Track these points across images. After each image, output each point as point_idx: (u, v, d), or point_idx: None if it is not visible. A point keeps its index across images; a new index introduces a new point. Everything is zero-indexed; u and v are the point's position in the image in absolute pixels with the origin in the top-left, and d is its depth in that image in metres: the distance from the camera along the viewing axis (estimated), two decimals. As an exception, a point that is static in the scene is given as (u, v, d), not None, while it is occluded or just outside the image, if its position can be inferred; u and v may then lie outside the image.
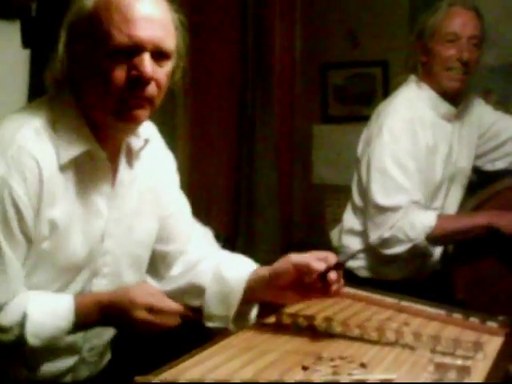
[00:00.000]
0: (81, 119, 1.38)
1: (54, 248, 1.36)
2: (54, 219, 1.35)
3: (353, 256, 2.29)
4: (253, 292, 1.50)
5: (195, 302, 1.56)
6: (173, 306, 1.37)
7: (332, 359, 1.23)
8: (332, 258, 1.42)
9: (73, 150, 1.36)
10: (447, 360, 1.14)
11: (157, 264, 1.59)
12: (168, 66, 1.37)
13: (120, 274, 1.48)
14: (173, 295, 1.57)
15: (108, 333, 1.52)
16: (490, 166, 2.53)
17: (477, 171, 2.53)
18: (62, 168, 1.35)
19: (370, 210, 2.26)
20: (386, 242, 2.21)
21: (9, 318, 1.31)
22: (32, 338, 1.31)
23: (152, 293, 1.39)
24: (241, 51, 3.33)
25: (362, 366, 1.19)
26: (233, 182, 3.45)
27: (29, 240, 1.33)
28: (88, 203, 1.40)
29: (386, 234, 2.19)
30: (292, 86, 3.49)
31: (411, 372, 1.15)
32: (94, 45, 1.31)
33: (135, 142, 1.46)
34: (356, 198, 2.40)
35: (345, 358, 1.23)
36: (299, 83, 3.50)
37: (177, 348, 1.34)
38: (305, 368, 1.18)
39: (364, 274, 2.33)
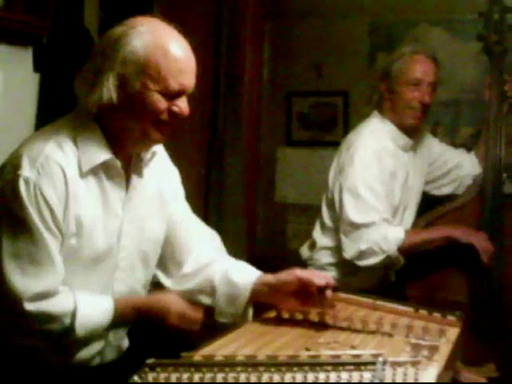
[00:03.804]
0: (100, 134, 1.65)
1: (80, 244, 1.62)
2: (79, 216, 1.60)
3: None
4: (256, 294, 1.81)
5: (205, 300, 1.85)
6: (198, 315, 1.68)
7: (328, 343, 1.55)
8: (330, 279, 1.76)
9: (93, 160, 1.63)
10: (420, 342, 1.47)
11: (167, 262, 1.87)
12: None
13: (133, 269, 1.76)
14: (186, 294, 1.86)
15: None
16: (436, 192, 2.92)
17: (424, 195, 2.89)
18: (83, 175, 1.62)
19: (344, 228, 2.58)
20: (362, 255, 2.54)
21: (61, 307, 1.57)
22: (80, 329, 1.57)
23: (182, 303, 1.70)
24: (214, 78, 3.59)
25: (353, 347, 1.51)
26: (202, 198, 3.70)
27: (61, 234, 1.58)
28: (107, 206, 1.67)
29: (363, 247, 2.52)
30: (259, 111, 3.75)
31: (393, 351, 1.47)
32: (149, 83, 1.58)
33: (145, 154, 1.75)
34: (326, 218, 2.72)
35: (338, 342, 1.56)
36: (266, 109, 3.76)
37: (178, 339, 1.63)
38: (308, 349, 1.49)
39: (332, 284, 2.65)
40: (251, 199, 3.75)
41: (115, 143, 1.66)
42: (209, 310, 1.81)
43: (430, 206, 2.88)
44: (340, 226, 2.61)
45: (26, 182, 1.54)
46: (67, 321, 1.57)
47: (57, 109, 2.48)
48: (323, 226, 2.74)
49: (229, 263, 1.90)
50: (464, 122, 3.35)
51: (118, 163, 1.67)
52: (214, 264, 1.87)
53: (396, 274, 2.69)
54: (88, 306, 1.59)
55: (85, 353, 1.69)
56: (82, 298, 1.60)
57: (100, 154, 1.63)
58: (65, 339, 1.58)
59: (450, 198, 2.89)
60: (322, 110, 3.66)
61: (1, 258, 1.53)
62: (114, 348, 1.79)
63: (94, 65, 1.62)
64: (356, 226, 2.55)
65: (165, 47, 1.60)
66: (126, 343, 1.86)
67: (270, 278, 1.81)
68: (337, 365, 1.30)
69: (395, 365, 1.31)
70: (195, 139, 3.63)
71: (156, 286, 1.88)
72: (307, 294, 1.73)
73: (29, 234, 1.54)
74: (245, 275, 1.83)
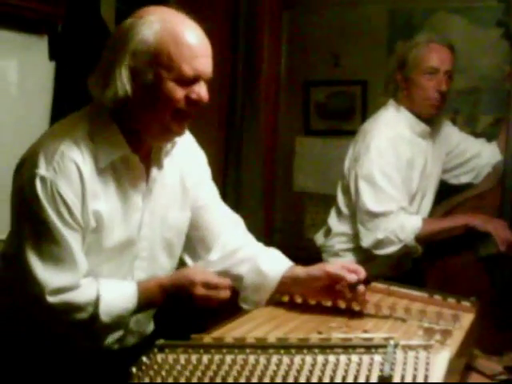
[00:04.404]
0: (116, 129, 1.63)
1: (100, 237, 1.63)
2: (98, 211, 1.60)
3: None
4: (284, 286, 1.79)
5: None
6: (224, 281, 1.65)
7: (340, 327, 1.54)
8: (362, 272, 1.72)
9: (109, 156, 1.62)
10: (433, 326, 1.45)
11: (195, 248, 1.86)
12: (206, 86, 1.65)
13: (155, 258, 1.75)
14: None
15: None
16: (454, 180, 2.89)
17: (442, 184, 2.87)
18: (101, 171, 1.61)
19: (361, 217, 2.57)
20: (379, 244, 2.53)
21: (84, 297, 1.57)
22: (104, 316, 1.57)
23: (206, 272, 1.68)
24: (231, 68, 3.59)
25: (365, 331, 1.50)
26: (220, 188, 3.70)
27: (81, 229, 1.59)
28: (127, 199, 1.66)
29: (380, 236, 2.51)
30: (277, 101, 3.74)
31: (405, 335, 1.45)
32: (162, 71, 1.55)
33: (165, 145, 1.72)
34: (342, 206, 2.71)
35: (350, 326, 1.55)
36: (284, 99, 3.75)
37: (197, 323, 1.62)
38: (320, 333, 1.48)
39: (347, 270, 2.64)
40: (269, 189, 3.76)
41: (133, 137, 1.65)
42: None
43: (448, 194, 2.86)
44: (357, 214, 2.60)
45: (43, 180, 1.55)
46: (91, 309, 1.57)
47: (72, 97, 2.51)
48: (339, 213, 2.73)
49: (258, 250, 1.88)
50: (483, 110, 3.32)
51: (136, 158, 1.65)
52: (241, 250, 1.86)
53: (415, 262, 2.67)
54: (111, 292, 1.59)
55: (105, 339, 1.68)
56: (104, 285, 1.60)
57: (116, 150, 1.62)
58: (91, 327, 1.59)
59: (468, 187, 2.86)
60: (340, 99, 3.65)
61: (24, 254, 1.55)
62: (136, 334, 1.79)
63: (105, 60, 1.60)
64: (373, 215, 2.54)
65: (175, 33, 1.56)
66: (150, 328, 1.86)
67: (300, 271, 1.79)
68: (347, 347, 1.29)
69: (406, 348, 1.29)
70: (213, 130, 3.63)
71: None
72: (338, 289, 1.71)
73: (49, 232, 1.55)
74: (275, 266, 1.82)
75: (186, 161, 1.81)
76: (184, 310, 1.71)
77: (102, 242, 1.63)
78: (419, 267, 2.64)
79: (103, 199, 1.62)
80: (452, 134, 2.86)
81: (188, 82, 1.58)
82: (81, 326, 1.58)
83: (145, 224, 1.70)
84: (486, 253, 2.54)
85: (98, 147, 1.61)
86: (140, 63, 1.57)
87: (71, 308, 1.56)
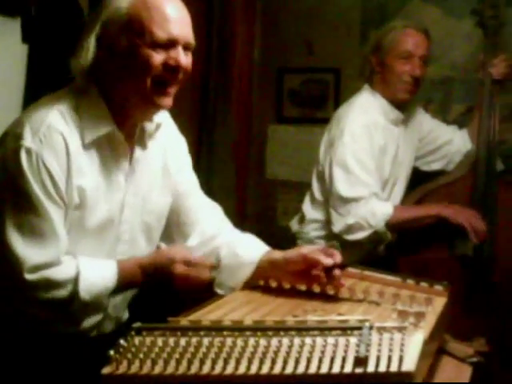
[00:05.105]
0: (102, 105, 1.63)
1: (83, 214, 1.61)
2: (82, 187, 1.58)
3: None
4: (261, 271, 1.79)
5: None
6: (205, 259, 1.65)
7: (315, 310, 1.55)
8: (338, 257, 1.72)
9: (95, 132, 1.61)
10: (407, 309, 1.48)
11: (173, 234, 1.86)
12: (190, 56, 1.65)
13: (136, 241, 1.75)
14: None
15: (129, 292, 1.78)
16: (426, 167, 2.92)
17: (415, 171, 2.90)
18: (86, 146, 1.60)
19: (334, 202, 2.59)
20: (349, 229, 2.55)
21: (63, 273, 1.55)
22: (84, 294, 1.55)
23: (186, 250, 1.68)
24: (205, 55, 3.58)
25: (340, 315, 1.51)
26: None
27: (65, 204, 1.56)
28: (110, 177, 1.65)
29: (350, 221, 2.53)
30: (250, 88, 3.75)
31: (379, 318, 1.47)
32: (135, 38, 1.56)
33: (148, 125, 1.73)
34: (316, 192, 2.73)
35: (325, 309, 1.56)
36: (257, 86, 3.75)
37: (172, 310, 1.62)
38: (295, 316, 1.49)
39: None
40: (242, 176, 3.76)
41: (119, 114, 1.64)
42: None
43: (421, 181, 2.89)
44: (330, 199, 2.62)
45: (28, 152, 1.52)
46: (70, 287, 1.55)
47: (45, 80, 2.47)
48: (313, 200, 2.75)
49: (235, 235, 1.89)
50: (455, 99, 3.35)
51: (121, 135, 1.65)
52: (219, 236, 1.86)
53: (388, 249, 2.70)
54: (91, 270, 1.57)
55: (83, 324, 1.67)
56: (84, 263, 1.58)
57: (102, 126, 1.61)
58: (70, 306, 1.56)
59: (440, 174, 2.89)
60: (314, 86, 3.66)
61: (4, 228, 1.52)
62: (113, 320, 1.77)
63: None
64: (345, 200, 2.56)
65: (147, 0, 1.57)
66: (125, 315, 1.85)
67: (277, 255, 1.79)
68: (323, 330, 1.30)
69: (381, 330, 1.31)
70: (185, 116, 3.59)
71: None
72: (314, 272, 1.71)
73: (31, 205, 1.53)
74: (252, 250, 1.82)
75: (169, 146, 1.81)
76: (162, 294, 1.70)
77: (84, 221, 1.61)
78: (392, 255, 2.66)
79: (87, 175, 1.60)
80: (424, 121, 2.89)
81: (163, 46, 1.57)
82: (59, 304, 1.55)
83: (127, 205, 1.70)
84: (461, 252, 2.58)
85: (84, 122, 1.60)
86: (113, 32, 1.57)
87: (50, 285, 1.53)
